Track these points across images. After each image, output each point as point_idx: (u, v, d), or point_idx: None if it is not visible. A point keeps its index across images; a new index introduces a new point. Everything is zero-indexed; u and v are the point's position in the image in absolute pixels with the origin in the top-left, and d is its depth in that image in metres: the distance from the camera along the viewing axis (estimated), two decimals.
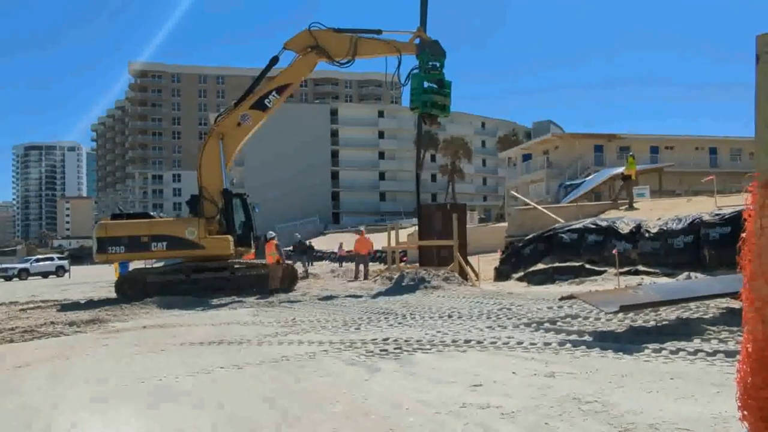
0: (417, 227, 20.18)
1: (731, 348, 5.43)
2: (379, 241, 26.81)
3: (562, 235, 16.10)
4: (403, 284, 14.47)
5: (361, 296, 13.63)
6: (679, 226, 13.64)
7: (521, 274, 16.39)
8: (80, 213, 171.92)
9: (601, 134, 47.81)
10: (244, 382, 5.49)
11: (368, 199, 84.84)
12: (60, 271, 41.28)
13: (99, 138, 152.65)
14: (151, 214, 17.84)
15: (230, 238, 16.17)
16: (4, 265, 41.93)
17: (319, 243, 51.51)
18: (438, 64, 16.15)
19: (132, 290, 15.28)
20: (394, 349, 6.58)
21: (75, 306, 14.45)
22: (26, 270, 39.78)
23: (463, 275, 15.59)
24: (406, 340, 7.02)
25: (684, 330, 6.42)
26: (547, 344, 6.34)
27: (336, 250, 39.61)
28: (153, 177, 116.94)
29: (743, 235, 2.58)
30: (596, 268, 14.43)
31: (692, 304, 7.43)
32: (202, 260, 16.16)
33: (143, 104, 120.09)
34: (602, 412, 3.96)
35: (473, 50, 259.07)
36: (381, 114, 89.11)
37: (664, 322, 6.94)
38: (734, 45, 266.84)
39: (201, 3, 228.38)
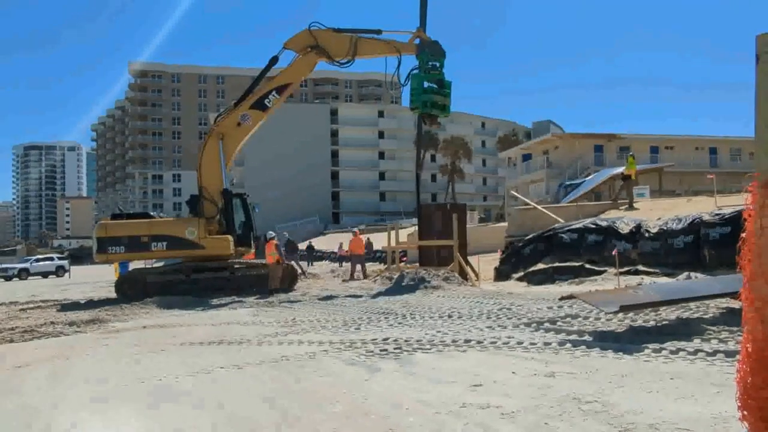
0: (417, 227, 20.19)
1: (731, 348, 5.43)
2: (379, 241, 26.84)
3: (562, 235, 16.10)
4: (403, 284, 14.48)
5: (361, 296, 13.64)
6: (679, 226, 13.64)
7: (521, 274, 16.39)
8: (80, 213, 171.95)
9: (601, 134, 47.76)
10: (244, 382, 5.49)
11: (368, 199, 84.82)
12: (60, 271, 41.25)
13: (99, 138, 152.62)
14: (151, 214, 17.85)
15: (230, 238, 16.18)
16: (4, 265, 41.89)
17: (319, 243, 51.53)
18: (438, 64, 16.16)
19: (132, 290, 15.29)
20: (394, 349, 6.58)
21: (75, 306, 14.45)
22: (26, 270, 39.74)
23: (463, 275, 15.59)
24: (406, 340, 7.02)
25: (684, 330, 6.42)
26: (547, 344, 6.34)
27: (336, 250, 39.64)
28: (153, 177, 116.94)
29: (743, 235, 2.58)
30: (596, 268, 14.42)
31: (692, 304, 7.44)
32: (202, 260, 16.16)
33: (143, 104, 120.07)
34: (602, 412, 3.96)
35: (473, 50, 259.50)
36: (381, 114, 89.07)
37: (664, 322, 6.94)
38: (734, 45, 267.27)
39: (201, 3, 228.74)
